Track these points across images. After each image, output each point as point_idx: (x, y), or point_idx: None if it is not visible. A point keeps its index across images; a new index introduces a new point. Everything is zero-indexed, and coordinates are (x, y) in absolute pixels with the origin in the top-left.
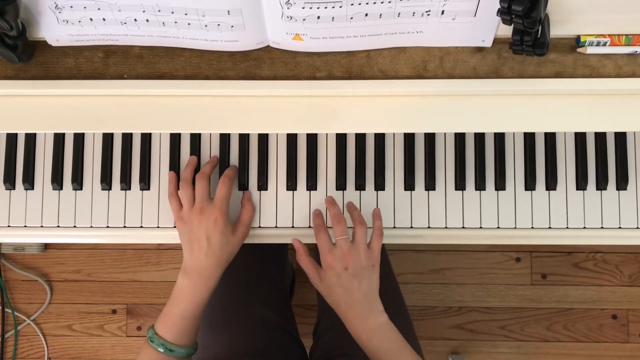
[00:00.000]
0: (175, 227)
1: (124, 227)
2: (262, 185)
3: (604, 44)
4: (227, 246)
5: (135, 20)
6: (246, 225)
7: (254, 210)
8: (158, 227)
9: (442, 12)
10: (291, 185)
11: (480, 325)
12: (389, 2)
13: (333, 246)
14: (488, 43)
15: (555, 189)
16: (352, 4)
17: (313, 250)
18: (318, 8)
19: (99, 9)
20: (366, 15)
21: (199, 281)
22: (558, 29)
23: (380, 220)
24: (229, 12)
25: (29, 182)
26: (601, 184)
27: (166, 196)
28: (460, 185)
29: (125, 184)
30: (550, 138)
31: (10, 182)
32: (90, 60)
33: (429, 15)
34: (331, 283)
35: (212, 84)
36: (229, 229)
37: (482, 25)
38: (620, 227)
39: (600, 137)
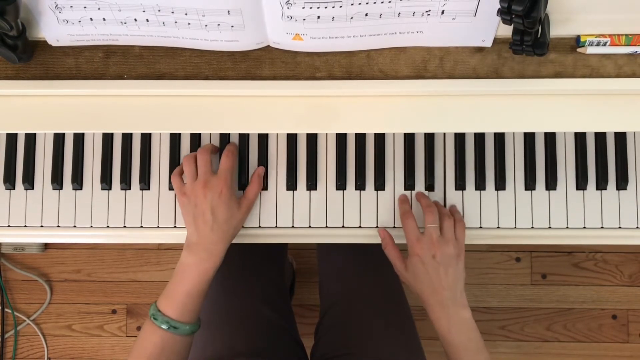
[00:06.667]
0: (175, 226)
1: (124, 227)
2: (262, 185)
3: (604, 44)
4: (233, 220)
5: (135, 20)
6: (251, 201)
7: (260, 188)
8: (158, 227)
9: (442, 12)
10: (291, 185)
11: (480, 325)
12: (389, 2)
13: (421, 234)
14: (488, 43)
15: (555, 189)
16: (352, 4)
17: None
18: (318, 8)
19: (99, 8)
20: (366, 15)
21: (205, 257)
22: (558, 29)
23: (460, 214)
24: (229, 12)
25: (29, 182)
26: (601, 184)
27: (166, 196)
28: (460, 185)
29: (125, 183)
30: (550, 138)
31: (10, 182)
32: (90, 60)
33: (429, 15)
34: (417, 270)
35: (212, 84)
36: (235, 202)
37: (482, 25)
38: (620, 227)
39: (600, 137)
